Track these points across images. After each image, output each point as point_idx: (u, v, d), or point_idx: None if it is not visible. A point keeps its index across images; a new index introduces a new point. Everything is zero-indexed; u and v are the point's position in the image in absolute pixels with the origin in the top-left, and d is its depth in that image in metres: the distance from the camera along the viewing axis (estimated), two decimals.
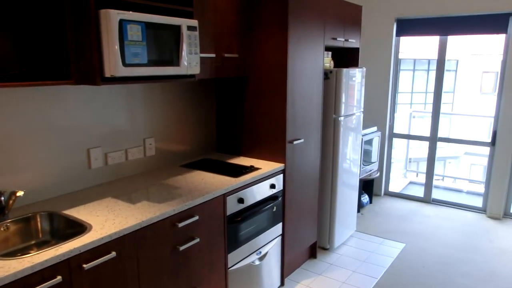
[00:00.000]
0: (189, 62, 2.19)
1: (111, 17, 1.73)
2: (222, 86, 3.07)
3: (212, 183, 2.40)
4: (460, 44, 11.93)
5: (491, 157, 4.39)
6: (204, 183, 2.40)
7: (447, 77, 13.94)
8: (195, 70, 2.24)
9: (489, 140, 4.42)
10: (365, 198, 4.59)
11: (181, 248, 2.06)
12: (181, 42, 2.12)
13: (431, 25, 4.47)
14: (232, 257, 2.49)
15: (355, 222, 3.96)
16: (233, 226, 2.45)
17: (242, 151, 3.05)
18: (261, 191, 2.65)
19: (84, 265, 1.60)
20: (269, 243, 2.84)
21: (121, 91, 2.44)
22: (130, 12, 1.84)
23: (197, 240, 2.17)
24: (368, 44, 4.66)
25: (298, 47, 2.81)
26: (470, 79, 13.24)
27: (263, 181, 2.66)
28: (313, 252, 3.49)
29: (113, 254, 1.71)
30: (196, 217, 2.14)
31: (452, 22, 4.33)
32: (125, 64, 1.82)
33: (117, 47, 1.77)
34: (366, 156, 4.43)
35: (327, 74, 3.27)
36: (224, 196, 2.34)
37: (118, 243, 1.74)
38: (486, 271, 3.32)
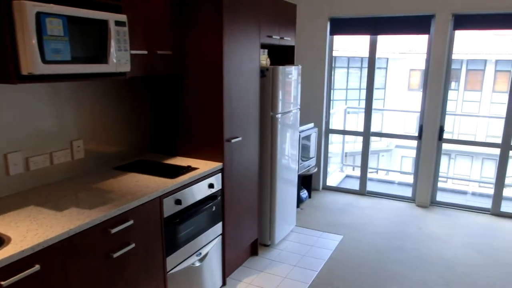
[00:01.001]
0: (119, 59, 2.08)
1: (27, 9, 1.59)
2: (157, 84, 2.97)
3: (147, 185, 2.31)
4: (390, 43, 12.62)
5: (418, 149, 4.67)
6: (138, 186, 2.30)
7: (379, 74, 14.71)
8: (125, 67, 2.13)
9: (416, 134, 4.70)
10: (304, 193, 4.69)
11: (115, 255, 1.96)
12: (108, 38, 2.01)
13: (362, 25, 4.66)
14: (171, 260, 2.42)
15: (295, 217, 4.03)
16: (171, 228, 2.37)
17: (179, 151, 2.97)
18: (199, 191, 2.60)
19: (3, 282, 1.46)
20: (209, 244, 2.79)
21: (45, 90, 2.26)
22: (51, 4, 1.70)
23: (133, 245, 2.07)
24: (303, 42, 4.75)
25: (234, 44, 2.78)
26: (399, 77, 14.06)
27: (201, 181, 2.60)
28: (254, 249, 3.49)
29: (37, 267, 1.58)
30: (131, 222, 2.05)
31: (381, 23, 4.55)
32: (44, 61, 1.68)
33: (34, 42, 1.62)
34: (304, 152, 4.52)
35: (263, 72, 3.28)
36: (160, 198, 2.26)
37: (43, 255, 1.61)
38: (416, 256, 3.53)
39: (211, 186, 2.70)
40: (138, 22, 2.34)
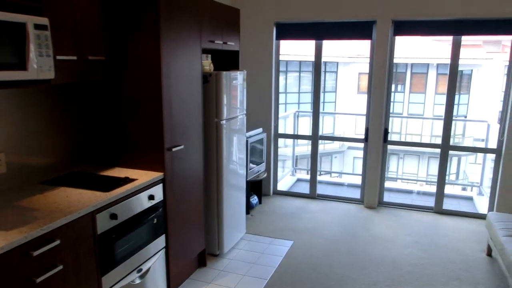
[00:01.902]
0: (40, 65, 1.92)
1: None
2: (92, 91, 2.79)
3: (78, 200, 2.15)
4: (339, 48, 12.92)
5: (365, 152, 4.76)
6: (68, 201, 2.13)
7: (329, 78, 15.00)
8: (48, 74, 1.97)
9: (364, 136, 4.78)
10: (254, 199, 4.63)
11: (39, 279, 1.79)
12: (27, 42, 1.85)
13: (307, 30, 4.69)
14: (108, 279, 2.26)
15: (244, 224, 3.96)
16: (107, 245, 2.22)
17: (118, 162, 2.81)
18: (138, 203, 2.47)
19: None
20: (151, 258, 2.66)
21: None
22: None
23: (60, 267, 1.91)
24: (249, 47, 4.71)
25: (173, 49, 2.67)
26: (349, 80, 14.43)
27: (140, 192, 2.47)
28: (202, 260, 3.38)
29: None
30: (57, 242, 1.88)
31: (325, 28, 4.60)
32: None
33: None
34: (253, 158, 4.48)
35: (206, 78, 3.19)
36: (93, 213, 2.11)
37: None
38: (365, 258, 3.57)
39: (151, 197, 2.58)
40: (64, 26, 2.19)
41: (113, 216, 2.26)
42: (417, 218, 4.48)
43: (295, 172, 6.45)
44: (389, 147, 4.82)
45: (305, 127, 9.70)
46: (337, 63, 14.17)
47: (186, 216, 3.03)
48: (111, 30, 2.56)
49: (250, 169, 4.37)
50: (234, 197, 3.64)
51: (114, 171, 2.72)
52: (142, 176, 2.60)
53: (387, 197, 4.92)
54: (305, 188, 5.34)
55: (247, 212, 4.30)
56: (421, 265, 3.46)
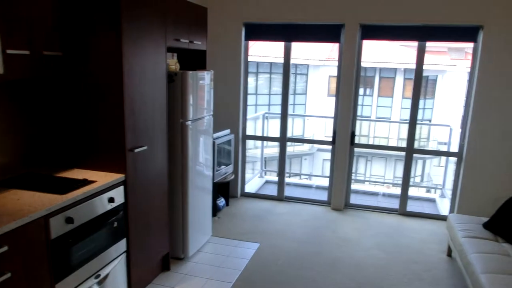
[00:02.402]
0: None
1: None
2: (49, 88, 2.66)
3: (30, 203, 2.03)
4: (309, 50, 13.05)
5: (333, 154, 4.79)
6: (20, 205, 2.01)
7: (300, 80, 15.09)
8: None
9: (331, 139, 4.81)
10: (221, 201, 4.57)
11: None
12: None
13: (276, 31, 4.68)
14: (62, 286, 2.15)
15: (210, 227, 3.90)
16: (62, 250, 2.12)
17: (77, 163, 2.70)
18: (97, 206, 2.37)
19: None
20: (111, 263, 2.55)
21: None
22: None
23: (8, 275, 1.79)
24: (217, 47, 4.66)
25: (136, 46, 2.59)
26: (319, 83, 14.58)
27: (98, 195, 2.37)
28: (166, 264, 3.30)
29: None
30: (5, 248, 1.77)
31: (294, 30, 4.61)
32: None
33: None
34: (220, 159, 4.42)
35: (172, 77, 3.12)
36: (46, 217, 2.00)
37: None
38: (331, 260, 3.58)
39: (111, 200, 2.48)
40: (16, 18, 2.07)
41: (69, 220, 2.15)
42: (382, 219, 4.55)
43: (264, 174, 6.43)
44: (358, 149, 4.87)
45: (275, 129, 9.71)
46: (308, 65, 14.29)
47: (149, 219, 2.94)
48: (70, 25, 2.45)
49: (217, 171, 4.32)
50: (200, 199, 3.58)
51: (73, 172, 2.60)
52: (102, 178, 2.49)
53: (354, 199, 4.97)
54: (273, 190, 5.32)
55: (214, 215, 4.24)
56: (384, 266, 3.51)
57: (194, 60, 3.70)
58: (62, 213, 2.10)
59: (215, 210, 4.35)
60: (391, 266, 3.51)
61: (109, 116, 2.56)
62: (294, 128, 12.30)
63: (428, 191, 9.37)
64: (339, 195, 4.77)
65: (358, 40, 4.40)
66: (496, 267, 2.73)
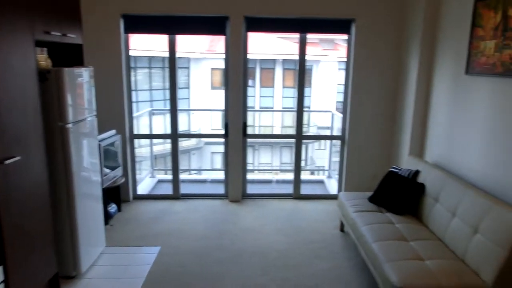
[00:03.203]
0: None
1: None
2: None
3: None
4: (190, 43, 12.85)
5: (226, 146, 4.78)
6: None
7: (182, 74, 14.84)
8: None
9: (223, 131, 4.79)
10: (113, 208, 4.23)
11: None
12: None
13: (159, 24, 4.45)
14: None
15: (104, 236, 3.57)
16: None
17: None
18: None
19: None
20: None
21: None
22: None
23: None
24: (95, 41, 4.25)
25: None
26: (202, 76, 14.50)
27: None
28: (55, 286, 2.92)
29: None
30: None
31: (178, 22, 4.43)
32: None
33: None
34: (108, 162, 4.08)
35: (44, 75, 2.73)
36: None
37: None
38: (235, 252, 3.57)
39: None
40: None
41: None
42: (279, 205, 4.71)
43: (154, 173, 6.16)
44: (248, 140, 4.93)
45: (159, 126, 9.32)
46: (189, 58, 14.08)
47: (30, 239, 2.56)
48: None
49: (105, 175, 3.97)
50: (89, 208, 3.24)
51: None
52: None
53: (250, 189, 5.05)
54: (167, 189, 5.13)
55: (106, 223, 3.90)
56: (286, 250, 3.63)
57: (69, 56, 3.31)
58: None
59: (107, 217, 4.00)
60: (292, 249, 3.65)
61: None
62: (180, 123, 12.00)
63: (312, 173, 10.08)
64: (236, 187, 4.80)
65: (243, 32, 4.43)
66: (384, 235, 3.02)
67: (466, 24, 3.31)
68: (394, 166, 3.90)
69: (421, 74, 4.00)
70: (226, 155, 4.82)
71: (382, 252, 2.78)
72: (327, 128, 8.11)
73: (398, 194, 3.50)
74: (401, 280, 2.43)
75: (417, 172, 3.60)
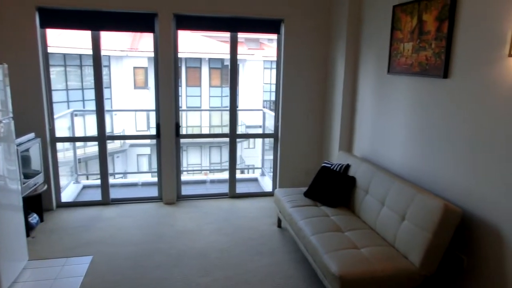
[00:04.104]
0: None
1: None
2: None
3: None
4: (111, 41, 12.22)
5: (158, 148, 4.63)
6: None
7: (103, 73, 14.06)
8: None
9: (154, 132, 4.63)
10: (34, 218, 3.88)
11: None
12: None
13: (80, 18, 4.16)
14: None
15: (26, 250, 3.26)
16: None
17: None
18: None
19: None
20: None
21: None
22: None
23: None
24: (7, 36, 3.86)
25: None
26: (124, 75, 13.88)
27: None
28: None
29: None
30: None
31: (103, 17, 4.18)
32: None
33: None
34: (27, 169, 3.73)
35: None
36: None
37: None
38: (174, 255, 3.47)
39: None
40: None
41: None
42: (216, 205, 4.67)
43: (79, 179, 5.77)
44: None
45: (80, 128, 8.74)
46: (109, 56, 13.40)
47: None
48: None
49: (24, 183, 3.63)
50: (7, 220, 2.93)
51: None
52: None
53: (184, 191, 4.95)
54: (95, 195, 4.83)
55: (28, 235, 3.56)
56: (226, 249, 3.61)
57: None
58: None
59: (28, 229, 3.66)
60: (232, 248, 3.64)
61: None
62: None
63: (242, 172, 10.15)
64: (170, 189, 4.67)
65: (173, 30, 4.31)
66: (321, 228, 3.13)
67: (387, 27, 3.56)
68: (326, 161, 4.07)
69: (348, 72, 4.22)
70: (159, 156, 4.66)
71: (320, 244, 2.88)
72: (256, 126, 8.22)
73: (331, 188, 3.65)
74: (340, 269, 2.54)
75: (347, 166, 3.79)
